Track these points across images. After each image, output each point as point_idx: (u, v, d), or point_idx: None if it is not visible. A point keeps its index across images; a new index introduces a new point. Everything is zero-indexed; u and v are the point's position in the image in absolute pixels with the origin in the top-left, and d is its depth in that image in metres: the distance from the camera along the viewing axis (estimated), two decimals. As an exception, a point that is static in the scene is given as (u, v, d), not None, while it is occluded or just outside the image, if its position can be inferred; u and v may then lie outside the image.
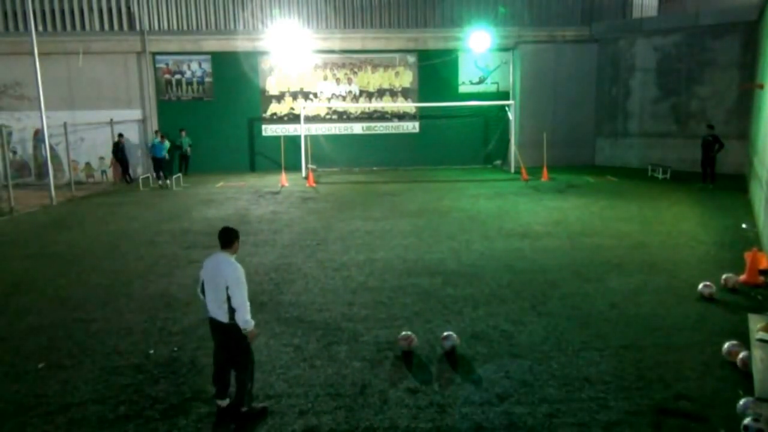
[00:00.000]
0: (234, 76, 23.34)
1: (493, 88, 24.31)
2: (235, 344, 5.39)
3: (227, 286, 5.25)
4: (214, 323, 5.44)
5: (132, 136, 23.03)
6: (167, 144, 21.84)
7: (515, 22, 23.80)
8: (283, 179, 20.34)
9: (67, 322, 8.01)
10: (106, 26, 23.21)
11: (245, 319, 5.30)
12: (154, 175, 21.37)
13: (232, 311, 5.30)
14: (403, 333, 6.99)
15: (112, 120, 22.42)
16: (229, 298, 5.26)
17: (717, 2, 22.96)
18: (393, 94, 24.21)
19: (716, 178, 17.93)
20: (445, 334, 6.92)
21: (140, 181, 20.68)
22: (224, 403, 5.50)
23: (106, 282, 9.79)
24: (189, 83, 23.51)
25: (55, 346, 7.25)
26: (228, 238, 5.49)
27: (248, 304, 5.33)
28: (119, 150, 21.75)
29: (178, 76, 23.45)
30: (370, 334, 7.41)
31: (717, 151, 17.73)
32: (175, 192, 19.37)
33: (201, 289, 5.53)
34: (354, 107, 24.17)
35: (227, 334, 5.38)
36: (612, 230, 12.73)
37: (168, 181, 20.54)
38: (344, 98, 24.11)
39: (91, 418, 5.61)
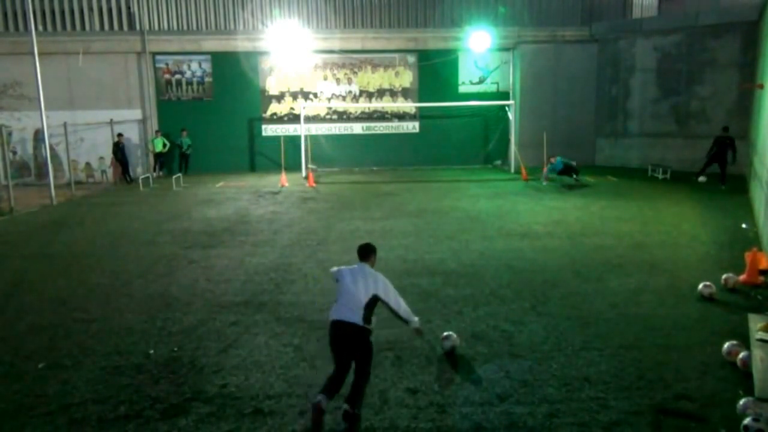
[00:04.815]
0: (234, 76, 23.35)
1: (493, 88, 24.33)
2: (363, 346, 5.59)
3: (374, 295, 5.65)
4: (344, 326, 5.55)
5: (132, 136, 23.06)
6: (165, 141, 22.66)
7: (515, 22, 23.81)
8: (283, 179, 20.34)
9: (67, 322, 8.00)
10: (106, 26, 23.23)
11: (415, 319, 6.03)
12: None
13: (365, 316, 5.57)
14: (446, 333, 6.93)
15: (112, 120, 22.42)
16: (366, 305, 5.58)
17: (717, 2, 22.95)
18: (393, 94, 24.21)
19: (726, 180, 17.72)
20: (445, 334, 6.91)
21: (140, 181, 20.69)
22: (325, 402, 5.31)
23: (106, 282, 9.79)
24: (189, 83, 23.52)
25: (55, 346, 7.24)
26: (367, 252, 6.04)
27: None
28: (119, 150, 21.79)
29: (178, 76, 23.45)
30: (370, 334, 7.41)
31: (732, 157, 17.56)
32: (175, 192, 19.36)
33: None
34: (354, 107, 24.17)
35: (357, 337, 5.56)
36: (612, 230, 12.72)
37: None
38: (344, 98, 24.11)
39: (91, 418, 5.60)
